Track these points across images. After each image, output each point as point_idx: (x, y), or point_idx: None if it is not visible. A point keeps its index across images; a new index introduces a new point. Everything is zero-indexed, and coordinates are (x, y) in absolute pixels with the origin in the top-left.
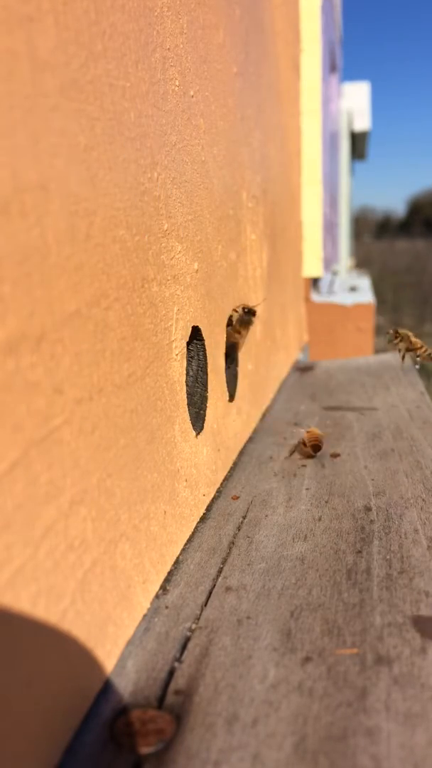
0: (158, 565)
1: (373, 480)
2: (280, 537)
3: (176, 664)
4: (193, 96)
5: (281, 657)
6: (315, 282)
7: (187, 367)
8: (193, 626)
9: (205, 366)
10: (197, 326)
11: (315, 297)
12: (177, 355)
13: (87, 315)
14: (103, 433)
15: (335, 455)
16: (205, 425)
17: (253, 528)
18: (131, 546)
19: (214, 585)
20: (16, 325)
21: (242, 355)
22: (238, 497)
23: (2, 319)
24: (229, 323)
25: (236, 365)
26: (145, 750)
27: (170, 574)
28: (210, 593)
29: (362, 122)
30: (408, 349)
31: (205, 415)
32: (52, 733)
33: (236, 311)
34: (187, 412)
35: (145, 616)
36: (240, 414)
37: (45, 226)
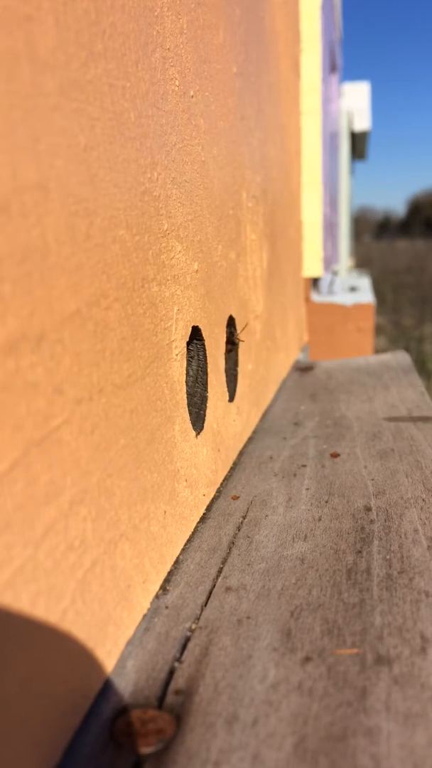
0: (158, 565)
1: (373, 480)
2: (280, 537)
3: (176, 664)
4: (193, 96)
5: (281, 657)
6: (315, 282)
7: (187, 367)
8: (193, 626)
9: (205, 366)
10: (197, 326)
11: (315, 297)
12: (177, 355)
13: (87, 315)
14: (103, 433)
15: (335, 455)
16: (205, 425)
17: (253, 528)
18: (131, 546)
19: (214, 585)
20: (16, 325)
21: (242, 356)
22: (238, 497)
23: (2, 319)
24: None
25: (236, 365)
26: (145, 750)
27: (170, 574)
28: (210, 593)
29: (362, 122)
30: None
31: (205, 415)
32: (52, 733)
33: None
34: (187, 412)
35: (145, 616)
36: (240, 414)
37: (45, 226)
